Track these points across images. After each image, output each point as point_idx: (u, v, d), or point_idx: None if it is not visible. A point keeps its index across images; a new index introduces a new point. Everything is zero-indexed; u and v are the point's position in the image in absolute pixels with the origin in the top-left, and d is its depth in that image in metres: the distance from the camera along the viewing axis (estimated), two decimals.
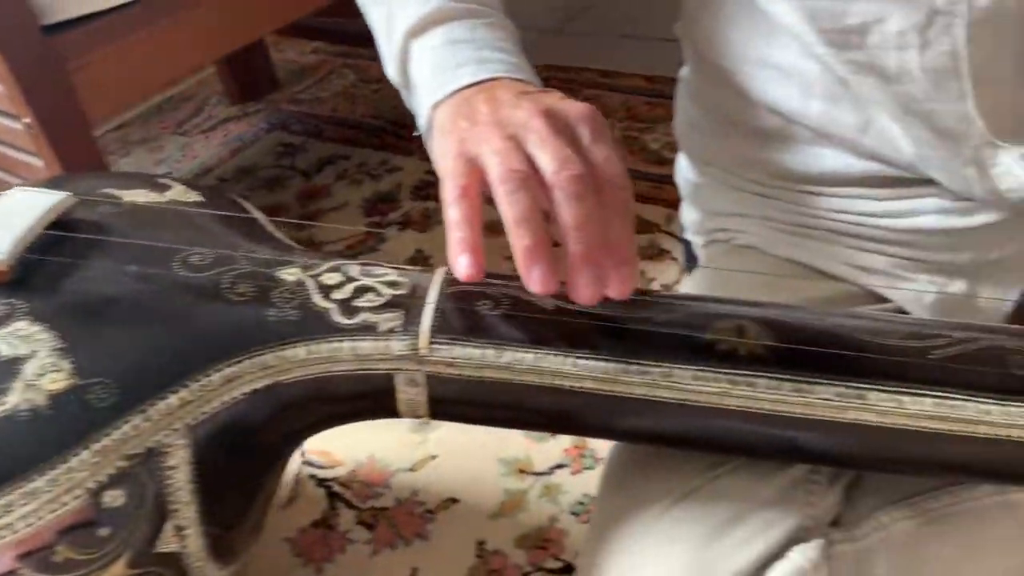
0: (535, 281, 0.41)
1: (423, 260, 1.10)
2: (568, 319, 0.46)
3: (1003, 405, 0.43)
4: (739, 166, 0.67)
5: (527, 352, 0.45)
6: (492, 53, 0.52)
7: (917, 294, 0.61)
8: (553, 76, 1.54)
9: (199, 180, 1.46)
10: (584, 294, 0.42)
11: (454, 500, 0.77)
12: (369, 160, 1.40)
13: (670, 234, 1.07)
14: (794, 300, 0.60)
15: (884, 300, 0.62)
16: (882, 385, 0.44)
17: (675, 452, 0.51)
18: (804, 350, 0.45)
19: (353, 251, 1.16)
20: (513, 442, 0.79)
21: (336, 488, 0.80)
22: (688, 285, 0.69)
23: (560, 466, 0.78)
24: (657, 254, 1.05)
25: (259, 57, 1.72)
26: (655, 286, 1.00)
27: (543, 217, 0.42)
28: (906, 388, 0.44)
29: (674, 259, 1.03)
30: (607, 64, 1.55)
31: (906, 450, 0.45)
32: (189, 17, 0.98)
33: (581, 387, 0.45)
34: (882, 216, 0.61)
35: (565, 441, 0.79)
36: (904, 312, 0.61)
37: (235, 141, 1.57)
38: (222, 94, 1.75)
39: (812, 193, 0.63)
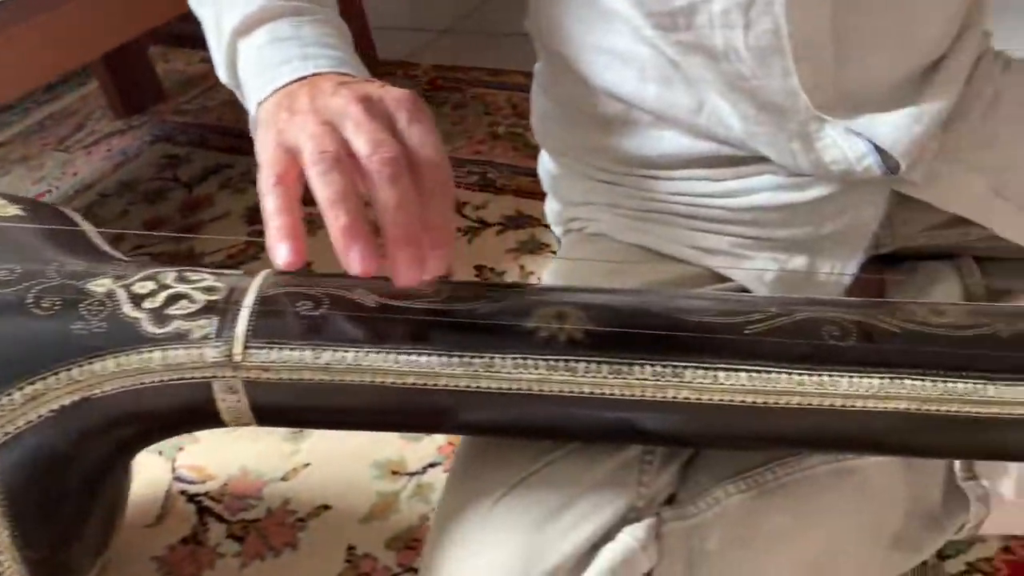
0: (354, 260, 0.40)
1: (307, 266, 1.08)
2: (391, 315, 0.46)
3: (816, 375, 0.44)
4: (587, 154, 0.68)
5: (347, 351, 0.45)
6: (318, 49, 0.52)
7: (759, 272, 0.62)
8: (440, 76, 1.53)
9: (79, 197, 1.41)
10: (406, 276, 0.41)
11: (326, 507, 0.76)
12: (253, 168, 1.36)
13: (549, 228, 1.07)
14: (640, 284, 0.61)
15: (727, 280, 0.63)
16: (698, 362, 0.44)
17: (513, 442, 0.51)
18: (622, 332, 0.45)
19: (234, 261, 1.14)
20: (387, 444, 0.79)
21: (207, 503, 0.78)
22: (546, 276, 0.69)
23: (433, 464, 0.78)
24: (537, 248, 1.05)
25: (142, 69, 1.68)
26: (534, 280, 1.00)
27: (359, 198, 0.42)
28: (721, 364, 0.44)
29: (553, 252, 1.03)
30: (494, 62, 1.55)
31: (729, 425, 0.46)
32: (37, 25, 0.94)
33: (404, 383, 0.45)
34: (721, 196, 0.62)
35: (439, 439, 0.79)
36: (746, 291, 0.63)
37: (118, 155, 1.53)
38: (107, 108, 1.70)
39: (655, 177, 0.64)
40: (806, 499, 0.52)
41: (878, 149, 0.56)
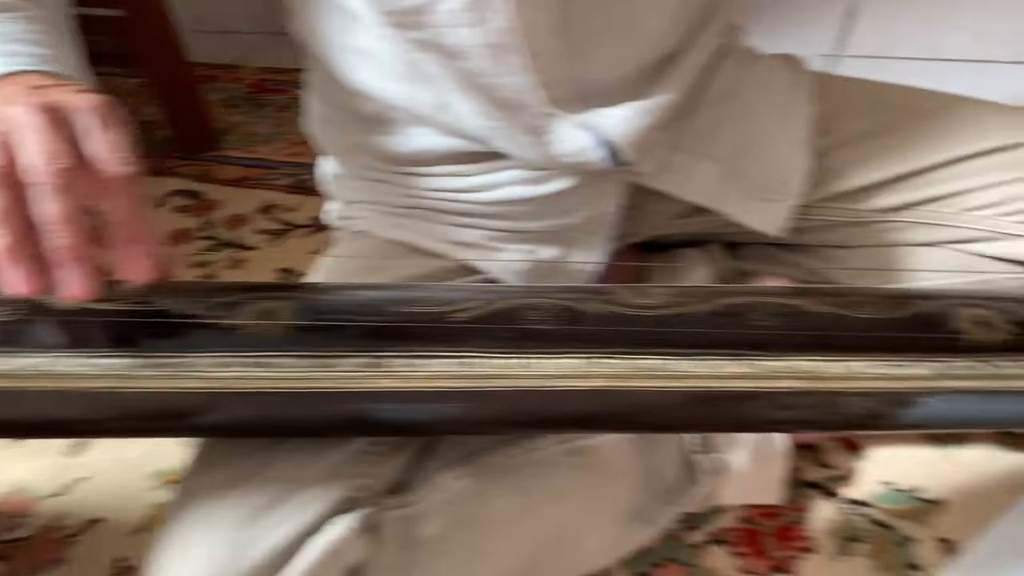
0: (15, 281, 0.39)
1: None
2: (88, 318, 0.45)
3: (519, 357, 0.46)
4: (351, 153, 0.68)
5: (38, 357, 0.44)
6: (22, 47, 0.50)
7: (509, 263, 0.64)
8: (265, 78, 1.51)
9: None
10: (74, 290, 0.40)
11: (99, 520, 0.74)
12: None
13: None
14: (396, 280, 0.62)
15: (481, 273, 0.65)
16: (400, 351, 0.45)
17: (240, 440, 0.51)
18: (327, 326, 0.46)
19: None
20: (166, 454, 0.77)
21: None
22: (311, 275, 0.69)
23: None
24: None
25: None
26: None
27: (23, 216, 0.40)
28: (424, 351, 0.45)
29: None
30: None
31: (440, 411, 0.47)
32: None
33: (101, 387, 0.44)
34: (471, 191, 0.63)
35: None
36: (495, 281, 0.64)
37: None
38: None
39: (413, 174, 0.65)
40: (536, 479, 0.54)
41: (610, 142, 0.58)
